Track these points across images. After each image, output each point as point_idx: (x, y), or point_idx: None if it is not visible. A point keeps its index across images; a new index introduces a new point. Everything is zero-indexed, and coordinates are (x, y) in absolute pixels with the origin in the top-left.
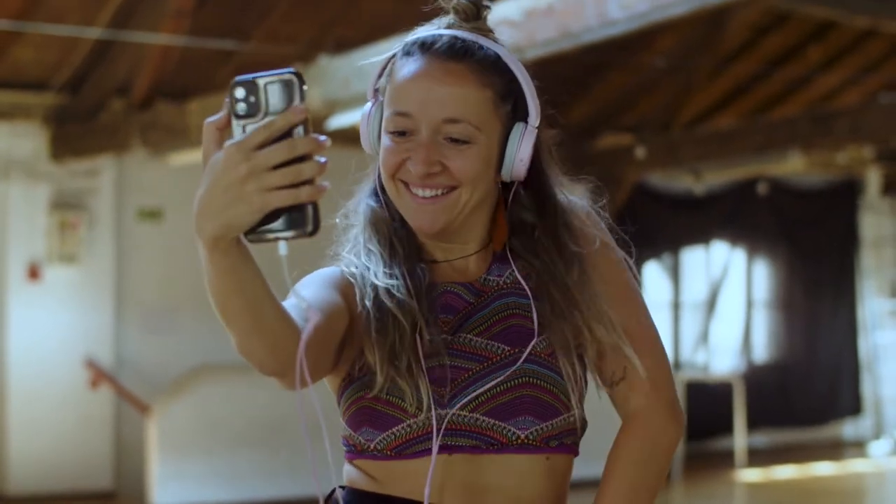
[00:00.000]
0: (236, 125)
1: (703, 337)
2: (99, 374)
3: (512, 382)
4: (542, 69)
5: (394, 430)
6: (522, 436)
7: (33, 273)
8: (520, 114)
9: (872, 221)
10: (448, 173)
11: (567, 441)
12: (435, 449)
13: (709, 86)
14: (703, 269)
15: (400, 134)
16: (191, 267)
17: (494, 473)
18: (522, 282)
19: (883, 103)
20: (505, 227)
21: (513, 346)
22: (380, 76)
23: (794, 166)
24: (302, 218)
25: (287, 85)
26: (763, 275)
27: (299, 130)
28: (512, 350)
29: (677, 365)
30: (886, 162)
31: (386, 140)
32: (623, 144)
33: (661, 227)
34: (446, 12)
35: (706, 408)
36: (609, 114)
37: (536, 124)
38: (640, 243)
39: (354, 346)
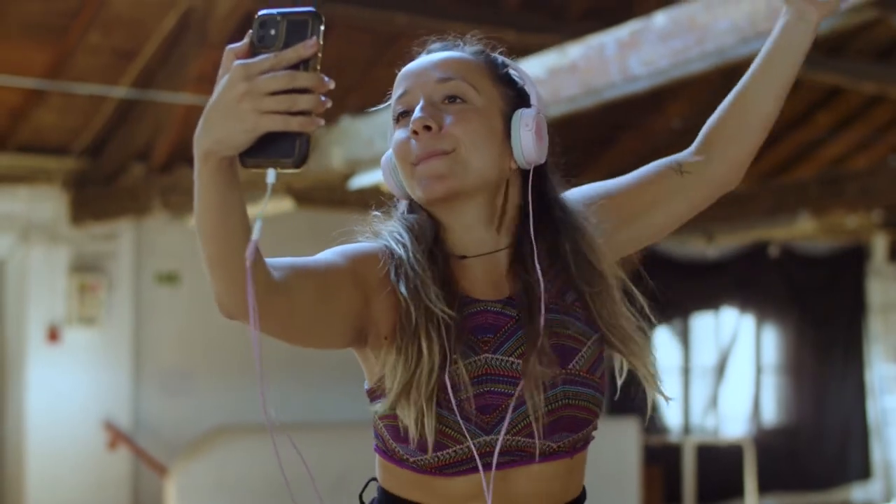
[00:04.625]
0: (253, 54)
1: (713, 401)
2: (117, 436)
3: (554, 405)
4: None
5: (438, 454)
6: (555, 446)
7: (53, 335)
8: (524, 103)
9: (880, 287)
10: (445, 134)
11: (590, 439)
12: (483, 479)
13: None
14: (712, 334)
15: (404, 115)
16: (208, 330)
17: (523, 482)
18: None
19: (892, 167)
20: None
21: (556, 367)
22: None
23: (803, 229)
24: (291, 148)
25: (305, 22)
26: (772, 340)
27: (307, 66)
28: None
29: (687, 429)
30: (894, 228)
31: (395, 135)
32: None
33: (672, 292)
34: None
35: (717, 472)
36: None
37: (539, 109)
38: (650, 308)
39: (382, 345)
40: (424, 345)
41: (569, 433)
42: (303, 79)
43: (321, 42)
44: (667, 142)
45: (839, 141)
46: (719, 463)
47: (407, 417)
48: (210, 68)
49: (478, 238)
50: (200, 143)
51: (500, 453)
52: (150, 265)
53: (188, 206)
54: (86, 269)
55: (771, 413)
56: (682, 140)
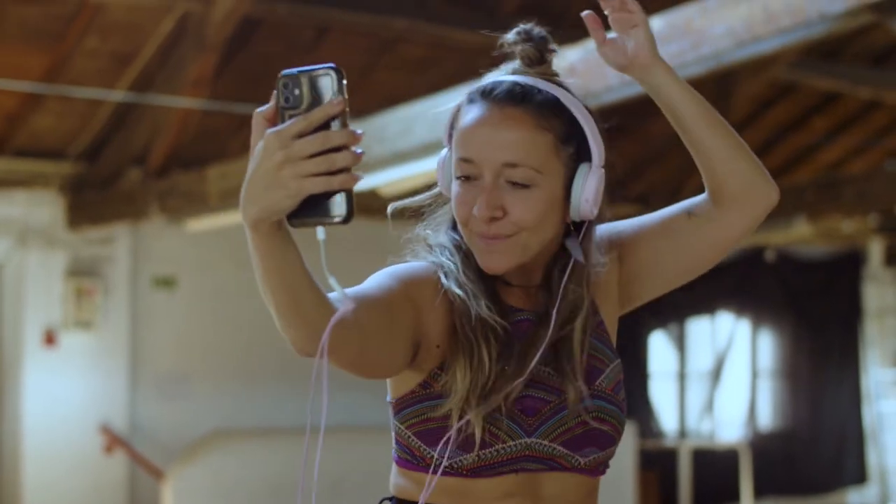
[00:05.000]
0: (281, 116)
1: (709, 406)
2: (113, 440)
3: (586, 416)
4: None
5: (482, 452)
6: (583, 462)
7: (49, 339)
8: (584, 155)
9: (876, 292)
10: (509, 220)
11: (609, 463)
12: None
13: None
14: (708, 338)
15: (466, 178)
16: (205, 333)
17: (549, 488)
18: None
19: (889, 171)
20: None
21: (585, 382)
22: (451, 125)
23: (800, 234)
24: (337, 205)
25: (328, 79)
26: (768, 344)
27: (336, 122)
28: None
29: (683, 434)
30: (889, 233)
31: (455, 186)
32: (631, 215)
33: (668, 297)
34: (512, 58)
35: (712, 476)
36: (617, 183)
37: (601, 164)
38: (646, 313)
39: (432, 354)
40: (485, 350)
41: (597, 449)
42: (336, 137)
43: (346, 97)
44: (664, 146)
45: (835, 145)
46: (715, 467)
47: (457, 419)
48: (207, 72)
49: (521, 271)
50: (247, 213)
51: (533, 459)
52: (147, 269)
53: (185, 210)
54: (82, 273)
55: (767, 417)
56: (681, 144)
